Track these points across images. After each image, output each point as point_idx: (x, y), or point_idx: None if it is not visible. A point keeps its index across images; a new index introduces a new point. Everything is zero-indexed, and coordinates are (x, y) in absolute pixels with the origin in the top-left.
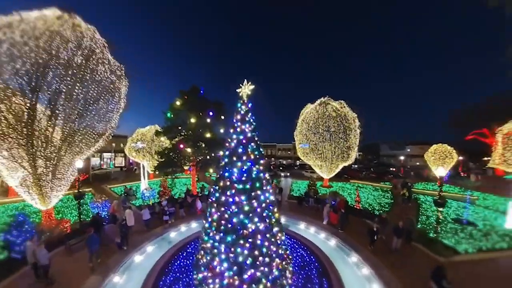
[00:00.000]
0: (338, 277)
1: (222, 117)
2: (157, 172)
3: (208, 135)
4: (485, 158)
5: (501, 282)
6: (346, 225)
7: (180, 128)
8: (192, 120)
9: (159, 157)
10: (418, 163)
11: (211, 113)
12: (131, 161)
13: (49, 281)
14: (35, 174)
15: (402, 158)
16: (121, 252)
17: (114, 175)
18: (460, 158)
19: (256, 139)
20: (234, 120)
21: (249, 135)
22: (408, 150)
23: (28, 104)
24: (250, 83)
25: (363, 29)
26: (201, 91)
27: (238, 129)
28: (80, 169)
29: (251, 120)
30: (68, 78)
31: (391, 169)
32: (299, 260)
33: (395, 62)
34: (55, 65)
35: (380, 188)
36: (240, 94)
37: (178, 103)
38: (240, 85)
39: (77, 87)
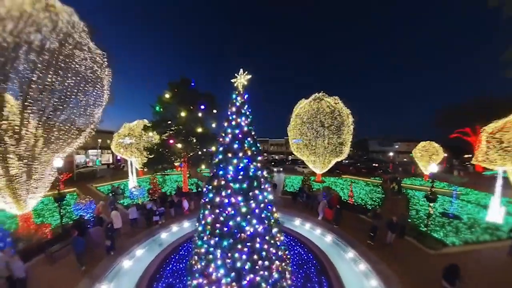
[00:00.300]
0: (336, 274)
1: (215, 111)
2: (146, 169)
3: (199, 129)
4: (466, 156)
5: (485, 272)
6: (340, 220)
7: (169, 122)
8: (183, 114)
9: (148, 153)
10: (405, 159)
11: (202, 107)
12: (118, 157)
13: None
14: (7, 175)
15: (391, 154)
16: (109, 257)
17: (101, 173)
18: (445, 155)
19: (253, 133)
20: (229, 113)
21: (245, 129)
22: (396, 146)
23: None
24: (246, 72)
25: (362, 28)
26: (192, 83)
27: (233, 123)
28: (62, 168)
29: (248, 113)
30: (40, 66)
31: (373, 164)
32: (297, 258)
33: (391, 62)
34: (25, 50)
35: (371, 183)
36: (236, 85)
37: (167, 95)
38: (236, 74)
39: (50, 76)
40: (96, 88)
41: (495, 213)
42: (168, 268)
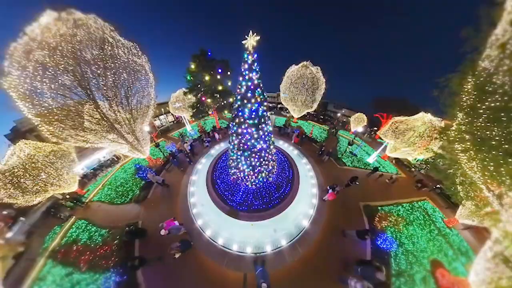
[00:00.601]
0: (297, 169)
1: (229, 73)
2: (193, 119)
3: (220, 87)
4: (375, 128)
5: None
6: (302, 144)
7: (199, 86)
8: (207, 78)
9: (192, 109)
10: (344, 120)
11: (220, 70)
12: (176, 116)
13: (166, 185)
14: (129, 143)
15: (338, 114)
16: (191, 166)
17: (171, 127)
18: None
19: (261, 85)
20: (242, 70)
21: (256, 81)
22: (343, 111)
23: (93, 105)
24: (255, 34)
25: None
26: (209, 53)
27: (247, 77)
28: (151, 130)
29: (257, 69)
30: (99, 71)
31: (321, 117)
32: (279, 160)
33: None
34: (85, 64)
35: (322, 128)
36: (246, 46)
37: (192, 66)
38: (246, 36)
39: (111, 77)
40: (143, 74)
41: (371, 158)
42: (218, 166)
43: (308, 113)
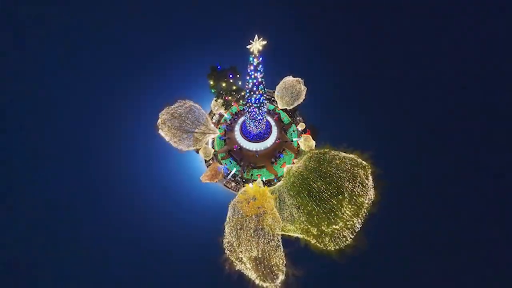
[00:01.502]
0: (272, 128)
1: (238, 76)
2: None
3: (234, 87)
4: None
5: None
6: (277, 120)
7: (221, 92)
8: (223, 85)
9: (222, 106)
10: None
11: (231, 76)
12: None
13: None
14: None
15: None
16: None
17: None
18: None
19: (263, 82)
20: (249, 71)
21: (259, 79)
22: (299, 118)
23: None
24: (261, 38)
25: None
26: (218, 67)
27: (253, 76)
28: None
29: (261, 70)
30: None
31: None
32: (266, 124)
33: None
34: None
35: (288, 118)
36: (251, 50)
37: (211, 82)
38: (250, 41)
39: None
40: None
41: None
42: (243, 125)
43: (286, 108)
